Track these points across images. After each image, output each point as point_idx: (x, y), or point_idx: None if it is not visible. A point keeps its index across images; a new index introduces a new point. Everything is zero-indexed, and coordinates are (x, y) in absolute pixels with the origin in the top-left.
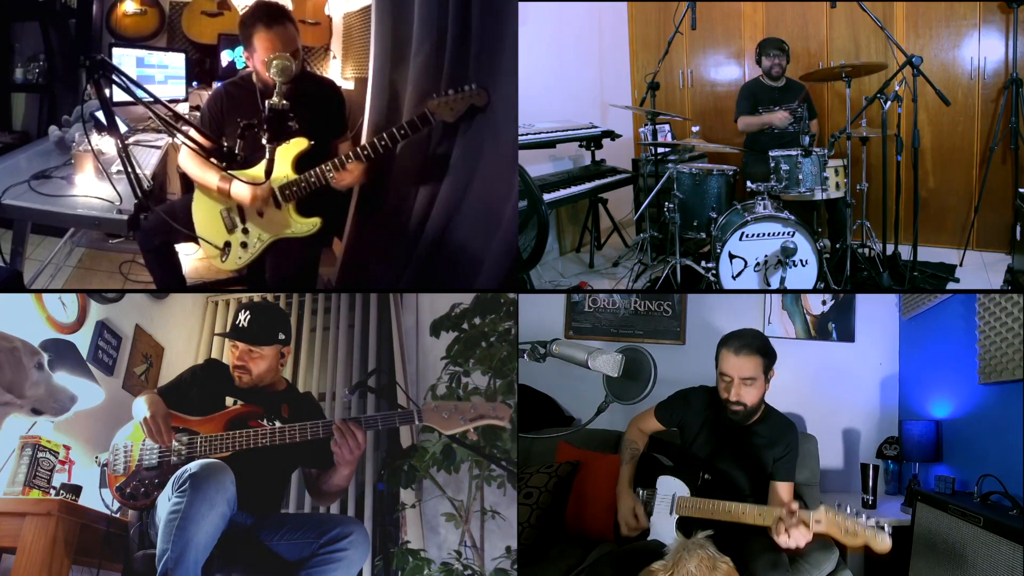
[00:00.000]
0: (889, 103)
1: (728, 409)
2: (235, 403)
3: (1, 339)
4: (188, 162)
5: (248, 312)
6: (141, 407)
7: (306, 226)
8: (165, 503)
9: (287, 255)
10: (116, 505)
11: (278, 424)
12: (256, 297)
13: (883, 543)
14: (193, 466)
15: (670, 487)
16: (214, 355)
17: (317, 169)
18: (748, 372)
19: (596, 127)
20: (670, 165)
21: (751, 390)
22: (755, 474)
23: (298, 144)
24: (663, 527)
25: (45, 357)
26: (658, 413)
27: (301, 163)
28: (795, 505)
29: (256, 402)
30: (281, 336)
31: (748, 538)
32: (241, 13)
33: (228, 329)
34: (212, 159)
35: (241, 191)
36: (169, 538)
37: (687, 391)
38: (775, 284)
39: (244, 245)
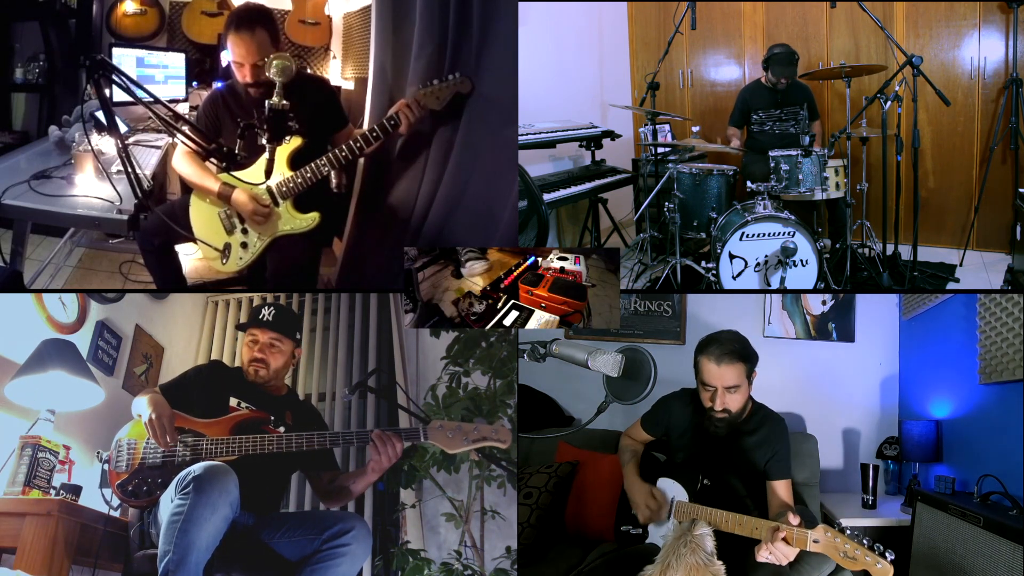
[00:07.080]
0: (889, 103)
1: (712, 420)
2: (238, 404)
3: None
4: (184, 166)
5: (272, 308)
6: (143, 406)
7: (305, 222)
8: (168, 504)
9: (287, 252)
10: (116, 501)
11: (283, 430)
12: (268, 297)
13: (883, 571)
14: (197, 468)
15: (669, 490)
16: (214, 356)
17: (312, 164)
18: (731, 380)
19: (596, 127)
20: (670, 165)
21: (735, 397)
22: (749, 477)
23: (293, 142)
24: (660, 531)
25: None
26: (644, 423)
27: (297, 160)
28: (795, 520)
29: (262, 406)
30: (297, 335)
31: (748, 547)
32: None
33: (247, 322)
34: (212, 160)
35: (242, 201)
36: (171, 540)
37: (668, 397)
38: (775, 284)
39: (244, 245)
